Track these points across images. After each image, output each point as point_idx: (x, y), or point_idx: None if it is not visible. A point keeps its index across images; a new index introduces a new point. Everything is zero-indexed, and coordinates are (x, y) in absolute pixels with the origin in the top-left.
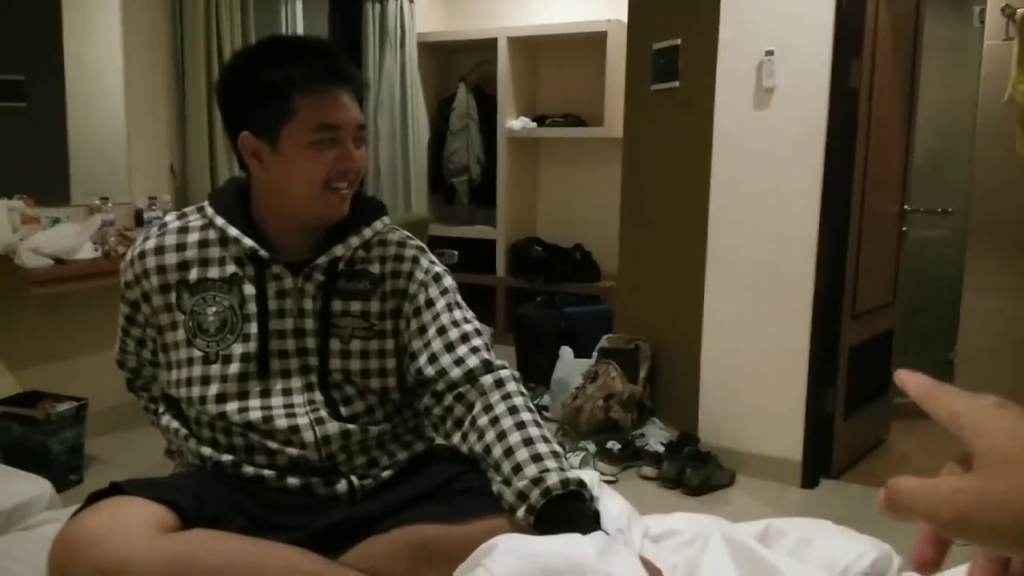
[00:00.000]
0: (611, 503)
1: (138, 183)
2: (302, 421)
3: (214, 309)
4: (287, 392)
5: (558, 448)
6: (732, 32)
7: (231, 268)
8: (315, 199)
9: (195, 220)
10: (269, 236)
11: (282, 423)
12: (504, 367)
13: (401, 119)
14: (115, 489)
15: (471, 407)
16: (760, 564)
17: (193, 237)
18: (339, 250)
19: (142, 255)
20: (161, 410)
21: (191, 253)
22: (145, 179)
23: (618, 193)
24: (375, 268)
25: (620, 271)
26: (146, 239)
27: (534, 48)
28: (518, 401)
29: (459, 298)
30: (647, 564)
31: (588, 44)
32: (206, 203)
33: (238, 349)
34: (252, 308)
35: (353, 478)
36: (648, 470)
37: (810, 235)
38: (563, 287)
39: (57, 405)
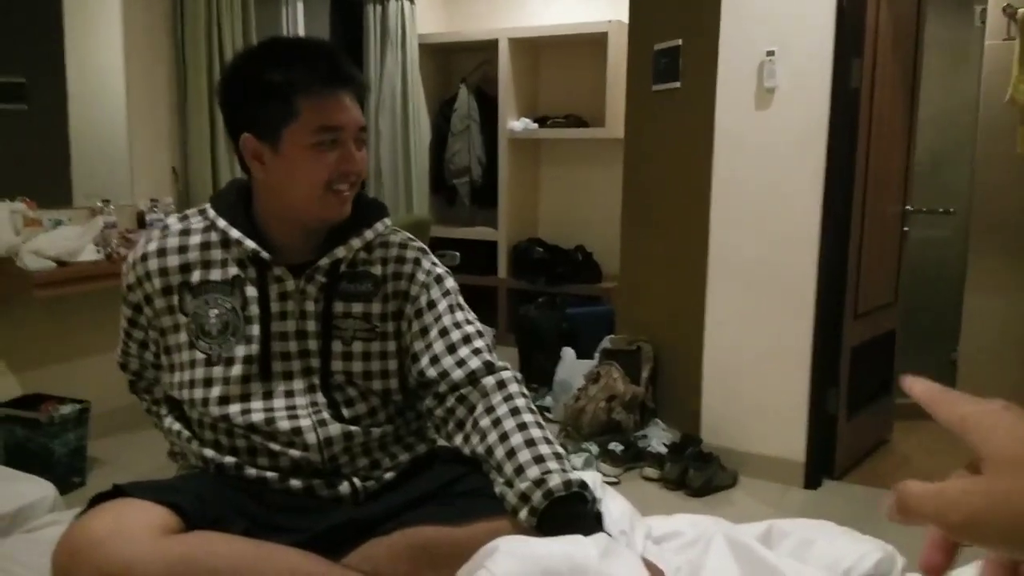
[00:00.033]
0: (613, 504)
1: (140, 185)
2: (304, 423)
3: (216, 311)
4: (289, 394)
5: (560, 449)
6: (733, 32)
7: (233, 270)
8: (316, 201)
9: (197, 222)
10: (271, 238)
11: (284, 425)
12: (506, 368)
13: (402, 120)
14: (118, 491)
15: (473, 408)
16: (762, 565)
17: (195, 239)
18: (341, 252)
19: (144, 258)
20: (163, 412)
21: (193, 255)
22: (147, 181)
23: (619, 194)
24: (377, 270)
25: (622, 272)
26: (148, 241)
27: (535, 49)
28: (520, 402)
29: (461, 300)
30: (649, 565)
31: (589, 45)
32: (208, 205)
33: (240, 351)
34: (254, 310)
35: (355, 480)
36: (650, 471)
37: (811, 235)
38: (565, 288)
39: (60, 407)
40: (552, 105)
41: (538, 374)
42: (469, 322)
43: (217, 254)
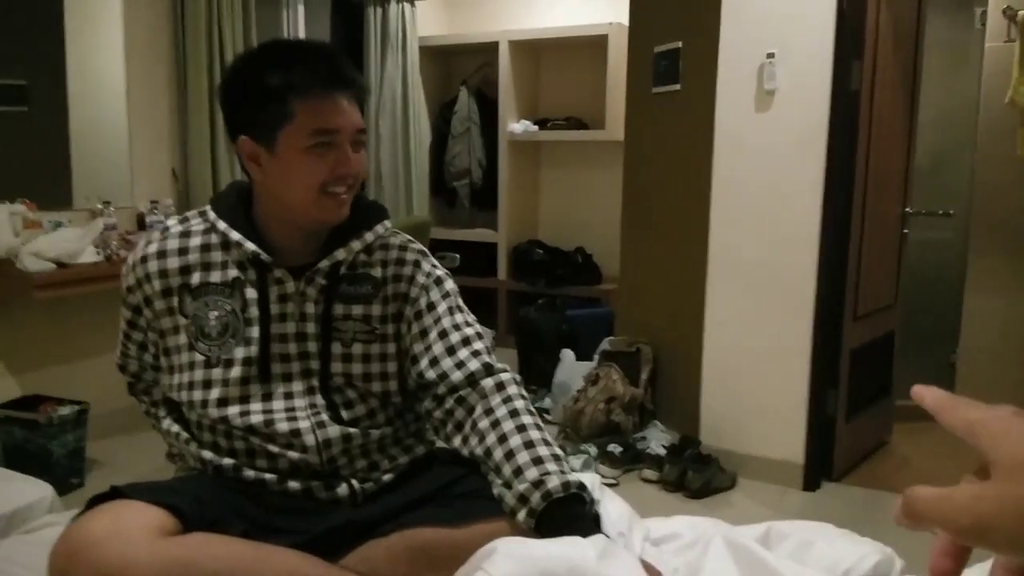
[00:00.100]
0: (612, 506)
1: (140, 187)
2: (303, 425)
3: (216, 313)
4: (288, 396)
5: (559, 451)
6: (733, 34)
7: (233, 272)
8: (312, 203)
9: (197, 224)
10: (271, 240)
11: (283, 427)
12: (505, 370)
13: (402, 122)
14: (116, 493)
15: (472, 410)
16: (761, 567)
17: (195, 241)
18: (341, 254)
19: (144, 259)
20: (162, 414)
21: (193, 257)
22: (147, 183)
23: (619, 196)
24: (377, 272)
25: (621, 274)
26: (148, 243)
27: (535, 51)
28: (519, 404)
29: (460, 301)
30: (648, 567)
31: (589, 47)
32: (208, 207)
33: (240, 353)
34: (254, 312)
35: (354, 482)
36: (649, 473)
37: (811, 237)
38: (564, 290)
39: (58, 409)
40: (552, 107)
41: (537, 376)
42: (469, 324)
43: (217, 256)
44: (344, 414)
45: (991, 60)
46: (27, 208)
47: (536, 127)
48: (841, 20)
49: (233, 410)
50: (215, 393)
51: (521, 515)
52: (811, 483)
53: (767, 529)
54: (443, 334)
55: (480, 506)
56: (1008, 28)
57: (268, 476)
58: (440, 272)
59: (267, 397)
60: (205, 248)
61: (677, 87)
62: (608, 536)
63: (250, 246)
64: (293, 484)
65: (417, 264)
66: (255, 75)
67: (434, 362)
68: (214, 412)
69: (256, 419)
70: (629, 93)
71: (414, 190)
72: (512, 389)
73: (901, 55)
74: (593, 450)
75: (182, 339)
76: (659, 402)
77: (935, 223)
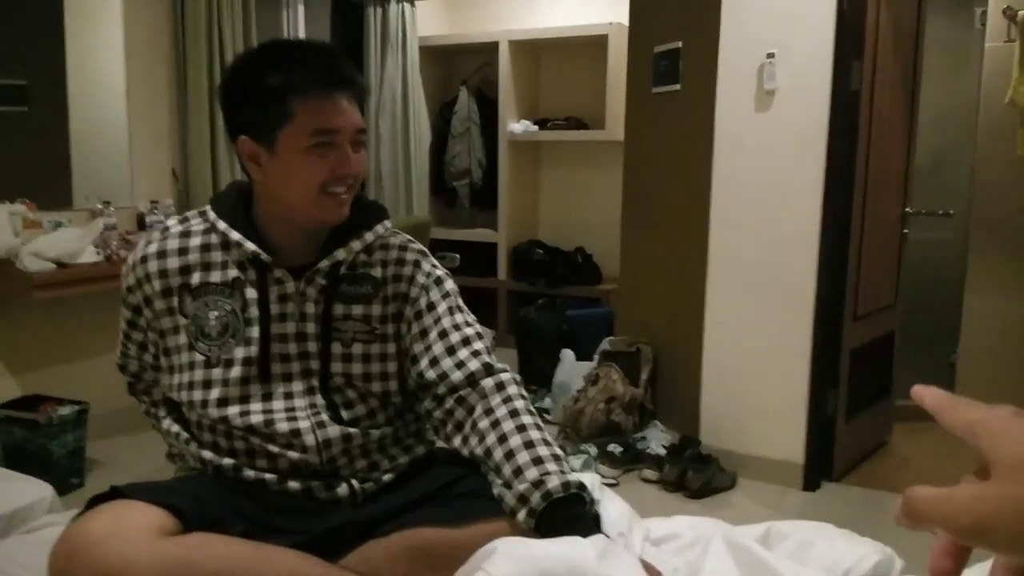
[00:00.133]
0: (612, 506)
1: (140, 187)
2: (303, 425)
3: (216, 313)
4: (288, 396)
5: (559, 451)
6: (733, 34)
7: (233, 272)
8: (312, 203)
9: (197, 224)
10: (271, 240)
11: (283, 427)
12: (505, 370)
13: (403, 122)
14: (116, 493)
15: (472, 410)
16: (761, 567)
17: (195, 241)
18: (341, 254)
19: (144, 259)
20: (162, 414)
21: (193, 257)
22: (147, 183)
23: (619, 196)
24: (377, 272)
25: (621, 274)
26: (148, 243)
27: (535, 51)
28: (519, 404)
29: (460, 301)
30: (648, 567)
31: (589, 47)
32: (208, 207)
33: (240, 353)
34: (254, 312)
35: (354, 482)
36: (649, 473)
37: (812, 237)
38: (564, 290)
39: (59, 408)
40: (552, 107)
41: (537, 376)
42: (469, 324)
43: (217, 256)
44: (344, 414)
45: (991, 60)
46: (27, 208)
47: (536, 127)
48: (841, 20)
49: (233, 410)
50: (215, 393)
51: (521, 515)
52: (811, 483)
53: (767, 529)
54: (443, 334)
55: (480, 506)
56: (1008, 28)
57: (268, 476)
58: (440, 272)
59: (267, 397)
60: (205, 248)
61: (677, 87)
62: (608, 536)
63: (250, 246)
64: (293, 484)
65: (417, 264)
66: (255, 75)
67: (434, 362)
68: (214, 412)
69: (256, 419)
70: (629, 93)
71: (414, 190)
72: (512, 389)
73: (901, 55)
74: (593, 450)
75: (182, 339)
76: (659, 402)
77: (935, 223)
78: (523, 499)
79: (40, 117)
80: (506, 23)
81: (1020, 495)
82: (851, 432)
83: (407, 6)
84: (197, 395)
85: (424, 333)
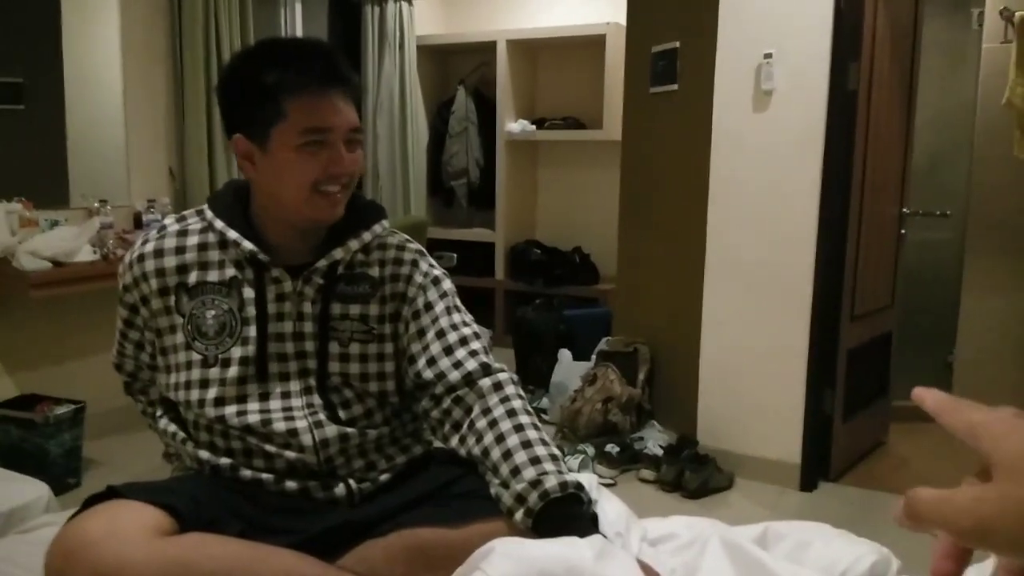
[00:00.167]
0: (609, 506)
1: (137, 186)
2: (300, 424)
3: (213, 312)
4: (286, 395)
5: (556, 451)
6: (730, 35)
7: (230, 271)
8: (304, 202)
9: (194, 223)
10: (268, 239)
11: (280, 426)
12: (503, 370)
13: (400, 122)
14: (112, 493)
15: (469, 410)
16: (758, 567)
17: (192, 240)
18: (338, 253)
19: (141, 258)
20: (159, 413)
21: (190, 256)
22: (144, 182)
23: (617, 196)
24: (374, 271)
25: (619, 274)
26: (145, 242)
27: (533, 51)
28: (516, 404)
29: (458, 301)
30: (645, 567)
31: (587, 47)
32: (205, 206)
33: (237, 352)
34: (251, 311)
35: (351, 482)
36: (647, 473)
37: (809, 237)
38: (562, 290)
39: (55, 408)
40: (550, 107)
41: (535, 376)
42: (466, 324)
43: (214, 255)
44: (341, 414)
45: (988, 61)
46: (23, 207)
47: (534, 127)
48: (838, 20)
49: (230, 409)
50: (212, 392)
51: (518, 515)
52: (808, 483)
53: (764, 529)
54: (440, 334)
55: (477, 506)
56: (1005, 29)
57: (265, 476)
58: (438, 272)
59: (264, 396)
60: (202, 247)
61: (675, 87)
62: (605, 536)
63: (247, 245)
64: (290, 484)
65: (415, 264)
66: (249, 73)
67: (431, 362)
68: (211, 411)
69: (253, 418)
70: (627, 93)
71: (411, 189)
72: (509, 389)
73: (898, 56)
74: (590, 450)
75: (179, 338)
76: (656, 402)
77: (932, 223)
78: (520, 499)
79: (37, 115)
80: (504, 23)
81: (1022, 497)
82: (848, 432)
83: (404, 5)
84: (194, 394)
85: (421, 333)
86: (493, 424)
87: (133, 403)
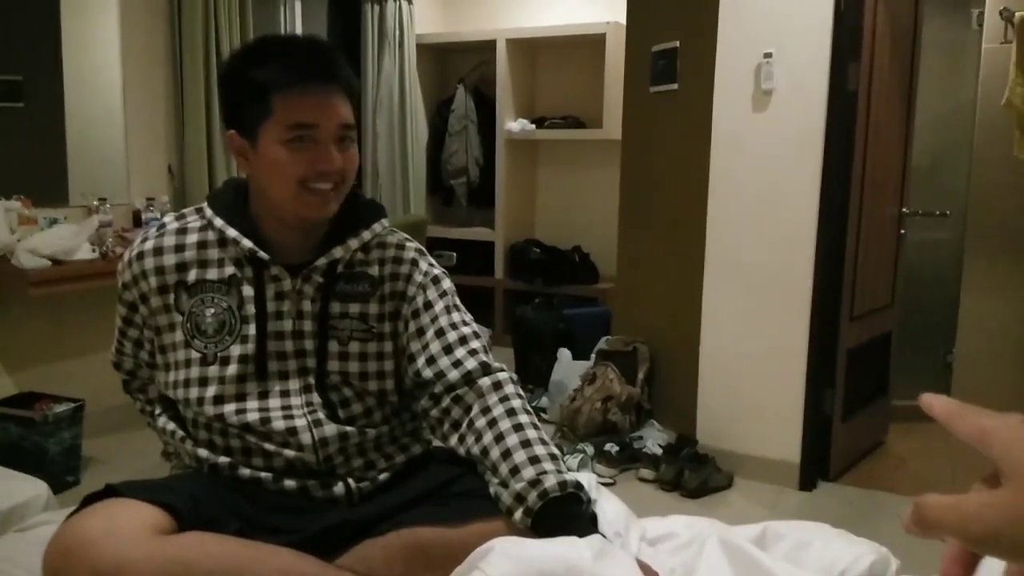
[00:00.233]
0: (608, 505)
1: (136, 184)
2: (300, 423)
3: (212, 311)
4: (285, 394)
5: (555, 450)
6: (730, 34)
7: (230, 269)
8: (293, 199)
9: (194, 221)
10: (267, 237)
11: (279, 425)
12: (502, 370)
13: (400, 120)
14: (110, 491)
15: (469, 409)
16: (756, 568)
17: (192, 238)
18: (338, 252)
19: (140, 256)
20: (158, 412)
21: (189, 254)
22: (143, 180)
23: (617, 195)
24: (374, 270)
25: (619, 273)
26: (144, 240)
27: (533, 50)
28: (516, 403)
29: (458, 300)
30: (644, 567)
31: (587, 46)
32: (205, 204)
33: (236, 351)
34: (250, 310)
35: (350, 481)
36: (646, 472)
37: (809, 237)
38: (561, 289)
39: (54, 406)
40: (550, 106)
41: (534, 375)
42: (466, 323)
43: (214, 253)
44: (340, 412)
45: (988, 61)
46: (23, 205)
47: (533, 126)
48: (838, 21)
49: (229, 408)
50: (211, 391)
51: (518, 514)
52: (807, 483)
53: (763, 529)
54: (440, 333)
55: (477, 505)
56: (1005, 29)
57: (264, 474)
58: (437, 271)
59: (263, 395)
60: (202, 245)
61: (675, 86)
62: (604, 536)
63: (247, 243)
64: (289, 483)
65: (415, 263)
66: (240, 71)
67: (431, 361)
68: (210, 410)
69: (252, 417)
70: (626, 92)
71: (411, 188)
72: (509, 388)
73: (898, 56)
74: (590, 449)
75: (178, 336)
76: (656, 401)
77: (932, 223)
78: (520, 498)
79: (36, 113)
80: (503, 21)
81: None
82: (848, 432)
83: (404, 4)
84: (193, 393)
85: (421, 332)
86: (492, 423)
87: (132, 401)
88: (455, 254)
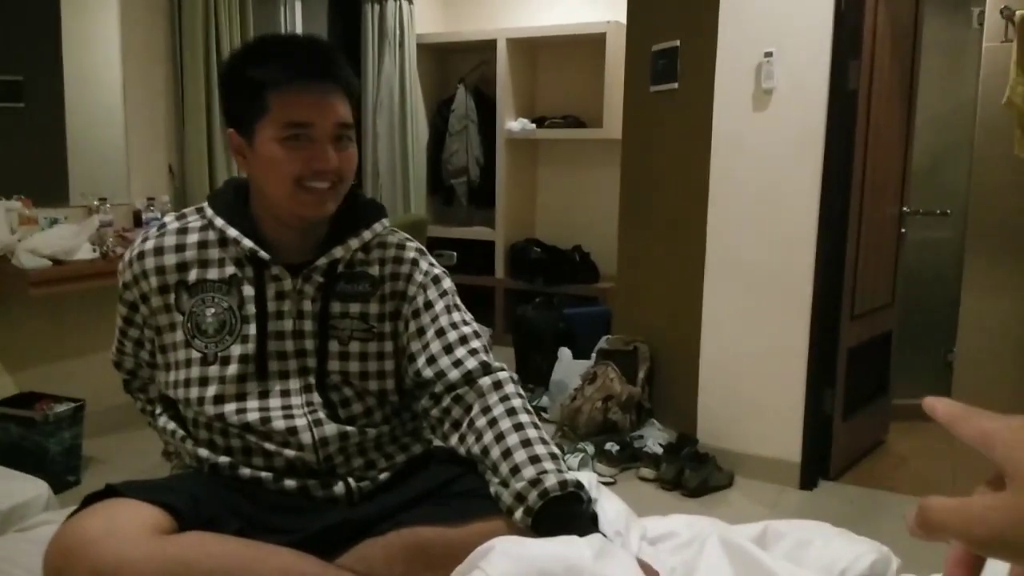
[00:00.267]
0: (609, 505)
1: (136, 184)
2: (300, 423)
3: (213, 310)
4: (285, 394)
5: (556, 450)
6: (731, 33)
7: (230, 269)
8: (289, 197)
9: (194, 221)
10: (268, 237)
11: (280, 424)
12: (502, 369)
13: (400, 120)
14: (111, 491)
15: (469, 409)
16: (757, 567)
17: (192, 238)
18: (338, 252)
19: (141, 256)
20: (158, 411)
21: (190, 254)
22: (143, 180)
23: (617, 194)
24: (374, 270)
25: (619, 272)
26: (145, 240)
27: (533, 49)
28: (516, 403)
29: (458, 300)
30: (644, 566)
31: (587, 45)
32: (205, 204)
33: (236, 350)
34: (251, 309)
35: (350, 480)
36: (646, 471)
37: (809, 236)
38: (562, 288)
39: (55, 406)
40: (550, 106)
41: (535, 374)
42: (466, 323)
43: (214, 253)
44: (341, 412)
45: (989, 60)
46: (23, 205)
47: (534, 125)
48: (839, 20)
49: (229, 407)
50: (212, 390)
51: (518, 514)
52: (808, 482)
53: (764, 528)
54: (440, 332)
55: (477, 505)
56: (1006, 28)
57: (264, 474)
58: (438, 270)
59: (264, 395)
60: (202, 245)
61: (675, 86)
62: (605, 535)
63: (247, 243)
64: (289, 482)
65: (415, 262)
66: (238, 70)
67: (431, 360)
68: (210, 409)
69: (252, 416)
70: (627, 92)
71: (411, 188)
72: (509, 388)
73: (899, 55)
74: (590, 448)
75: (179, 336)
76: (656, 401)
77: (932, 223)
78: (520, 498)
79: (36, 113)
80: (504, 21)
81: None
82: (848, 431)
83: (404, 4)
84: (193, 392)
85: (421, 331)
86: (492, 423)
87: (132, 401)
88: (455, 254)
